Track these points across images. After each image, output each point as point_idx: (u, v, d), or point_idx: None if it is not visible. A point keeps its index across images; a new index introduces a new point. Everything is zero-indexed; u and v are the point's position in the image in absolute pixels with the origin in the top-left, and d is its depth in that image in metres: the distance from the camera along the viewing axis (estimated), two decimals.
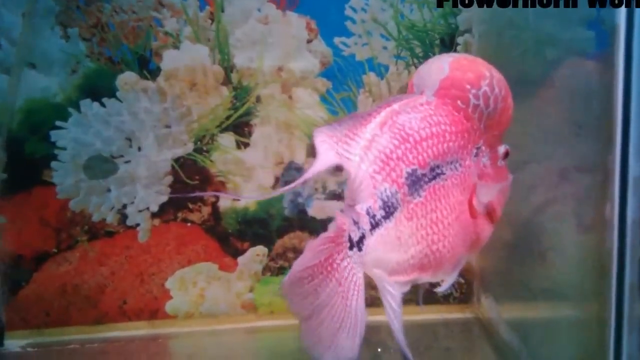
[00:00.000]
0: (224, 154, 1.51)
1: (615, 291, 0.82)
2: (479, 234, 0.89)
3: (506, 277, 1.38)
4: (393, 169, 0.76)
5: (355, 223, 0.76)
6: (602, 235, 0.85)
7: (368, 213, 0.76)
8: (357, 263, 0.75)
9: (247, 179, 1.51)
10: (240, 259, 1.53)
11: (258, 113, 1.50)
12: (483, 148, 0.86)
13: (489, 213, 0.89)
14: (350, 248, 0.75)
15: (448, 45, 1.50)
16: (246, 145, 1.51)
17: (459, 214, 0.82)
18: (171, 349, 1.48)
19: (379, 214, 0.76)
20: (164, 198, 1.49)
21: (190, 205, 1.51)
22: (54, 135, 1.44)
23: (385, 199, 0.76)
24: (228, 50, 1.48)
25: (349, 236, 0.75)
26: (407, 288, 0.82)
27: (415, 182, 0.77)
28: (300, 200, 1.51)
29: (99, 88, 1.46)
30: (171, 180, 1.50)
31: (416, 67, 1.51)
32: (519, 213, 1.24)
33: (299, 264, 0.75)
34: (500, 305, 1.40)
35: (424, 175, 0.78)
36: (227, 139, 1.51)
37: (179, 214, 1.51)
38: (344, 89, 1.51)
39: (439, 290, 0.93)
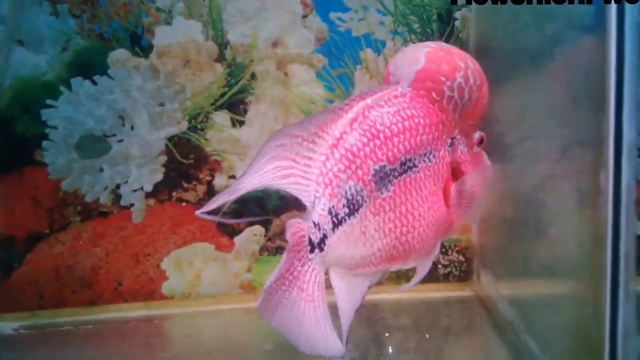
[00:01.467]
0: (219, 133, 1.48)
1: (611, 260, 0.81)
2: (453, 220, 0.90)
3: (504, 253, 1.38)
4: (359, 166, 0.78)
5: (316, 225, 0.77)
6: (597, 205, 0.84)
7: (330, 212, 0.78)
8: (318, 263, 0.78)
9: (243, 158, 1.49)
10: (236, 239, 1.51)
11: (253, 90, 1.48)
12: (458, 137, 0.88)
13: (465, 200, 0.90)
14: (312, 250, 0.77)
15: (445, 20, 1.48)
16: (241, 123, 1.49)
17: (431, 204, 0.84)
18: (167, 330, 1.47)
19: (343, 212, 0.78)
20: (159, 177, 1.47)
21: (185, 185, 1.49)
22: (45, 114, 1.42)
23: (350, 197, 0.78)
24: (221, 26, 1.45)
25: (310, 239, 0.77)
26: (377, 278, 0.85)
27: (383, 178, 0.79)
28: None
29: (90, 65, 1.43)
30: (165, 160, 1.47)
31: (413, 43, 1.48)
32: (517, 189, 1.23)
33: (267, 282, 0.77)
34: (498, 282, 1.39)
35: (393, 170, 0.80)
36: (222, 117, 1.48)
37: (174, 194, 1.49)
38: (341, 65, 1.49)
39: (403, 288, 0.95)
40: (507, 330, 1.26)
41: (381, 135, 0.79)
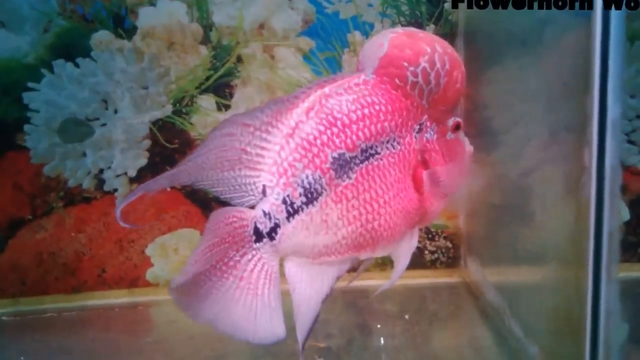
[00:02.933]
0: (204, 116, 1.46)
1: (594, 239, 0.80)
2: (427, 208, 0.89)
3: (492, 240, 1.36)
4: (317, 155, 0.77)
5: (266, 214, 0.77)
6: (581, 184, 0.82)
7: (285, 202, 0.77)
8: (268, 253, 0.78)
9: None
10: None
11: (239, 73, 1.45)
12: (427, 124, 0.86)
13: (439, 186, 0.89)
14: (259, 240, 0.77)
15: (435, 2, 1.46)
16: (227, 107, 1.46)
17: (398, 191, 0.83)
18: (152, 316, 1.45)
19: (299, 200, 0.78)
20: (143, 162, 1.45)
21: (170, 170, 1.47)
22: (27, 97, 1.39)
23: (307, 186, 0.77)
24: (207, 8, 1.42)
25: (256, 229, 0.77)
26: (345, 267, 0.84)
27: (343, 166, 0.78)
28: None
29: (72, 48, 1.40)
30: (149, 144, 1.45)
31: (402, 26, 1.46)
32: (504, 176, 1.22)
33: (189, 271, 0.77)
34: (485, 268, 1.38)
35: (353, 158, 0.79)
36: (207, 101, 1.46)
37: None
38: (328, 48, 1.46)
39: (385, 287, 0.93)
40: (493, 315, 1.25)
41: (339, 122, 0.78)
